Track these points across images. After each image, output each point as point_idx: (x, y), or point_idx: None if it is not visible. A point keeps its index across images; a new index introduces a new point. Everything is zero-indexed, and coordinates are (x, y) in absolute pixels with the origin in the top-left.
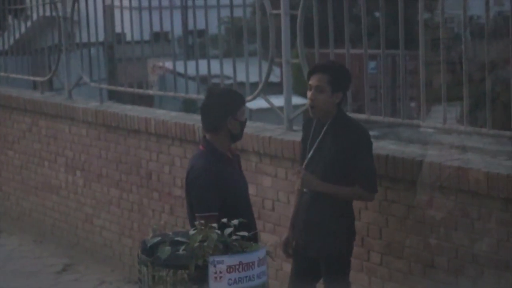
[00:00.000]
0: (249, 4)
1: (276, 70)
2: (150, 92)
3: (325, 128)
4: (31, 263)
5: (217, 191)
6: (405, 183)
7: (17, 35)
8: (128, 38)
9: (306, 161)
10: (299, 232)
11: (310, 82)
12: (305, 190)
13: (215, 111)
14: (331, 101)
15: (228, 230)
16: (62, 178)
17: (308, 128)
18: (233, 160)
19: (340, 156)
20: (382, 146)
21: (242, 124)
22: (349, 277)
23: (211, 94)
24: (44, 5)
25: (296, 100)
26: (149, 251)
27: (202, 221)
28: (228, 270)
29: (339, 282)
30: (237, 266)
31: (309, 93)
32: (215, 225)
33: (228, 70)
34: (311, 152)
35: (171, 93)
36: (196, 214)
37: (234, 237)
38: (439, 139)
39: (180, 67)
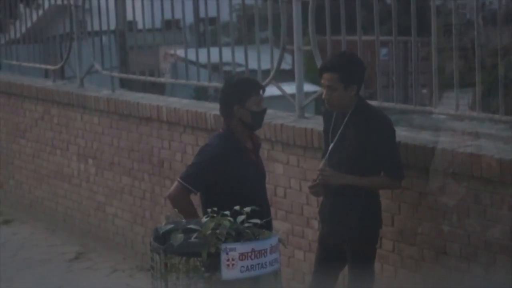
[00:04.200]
0: None
1: (288, 58)
2: (162, 80)
3: (346, 118)
4: (43, 251)
5: (213, 176)
6: (417, 170)
7: (29, 24)
8: (140, 26)
9: (328, 152)
10: (324, 220)
11: (322, 81)
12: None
13: (224, 101)
14: (346, 96)
15: (241, 218)
16: (74, 166)
17: (328, 119)
18: (250, 150)
19: (363, 145)
20: None
21: (255, 114)
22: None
23: (225, 83)
24: None
25: (308, 87)
26: (162, 238)
27: (177, 186)
28: (241, 257)
29: (364, 270)
30: (249, 254)
31: (323, 91)
32: (227, 212)
33: (239, 57)
34: (333, 143)
35: (183, 81)
36: (178, 178)
37: (246, 224)
38: (451, 126)
39: (191, 55)
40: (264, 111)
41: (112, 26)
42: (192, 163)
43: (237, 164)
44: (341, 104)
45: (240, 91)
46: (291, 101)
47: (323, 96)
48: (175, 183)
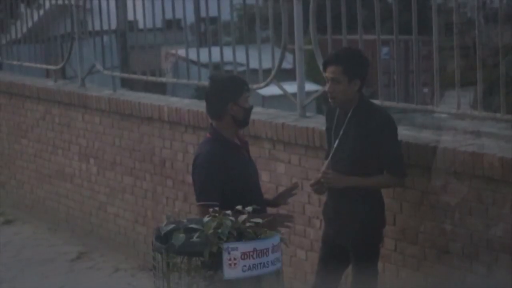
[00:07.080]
0: None
1: (289, 57)
2: (163, 79)
3: (348, 116)
4: (45, 251)
5: (220, 180)
6: (419, 169)
7: (30, 24)
8: (141, 25)
9: (332, 151)
10: (328, 220)
11: (326, 75)
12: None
13: (216, 98)
14: (350, 90)
15: (242, 217)
16: (76, 166)
17: (331, 118)
18: (241, 147)
19: (365, 143)
20: None
21: (246, 111)
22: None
23: (213, 81)
24: None
25: (309, 86)
26: (164, 238)
27: (200, 209)
28: (242, 256)
29: (368, 270)
30: (251, 253)
31: (327, 85)
32: (228, 212)
33: (240, 57)
34: (336, 142)
35: (184, 81)
36: (197, 203)
37: (248, 223)
38: (452, 125)
39: (192, 54)
40: (251, 108)
41: (113, 26)
42: (198, 182)
43: (233, 164)
44: (344, 98)
45: (233, 88)
46: (293, 100)
47: (327, 89)
48: (197, 209)
